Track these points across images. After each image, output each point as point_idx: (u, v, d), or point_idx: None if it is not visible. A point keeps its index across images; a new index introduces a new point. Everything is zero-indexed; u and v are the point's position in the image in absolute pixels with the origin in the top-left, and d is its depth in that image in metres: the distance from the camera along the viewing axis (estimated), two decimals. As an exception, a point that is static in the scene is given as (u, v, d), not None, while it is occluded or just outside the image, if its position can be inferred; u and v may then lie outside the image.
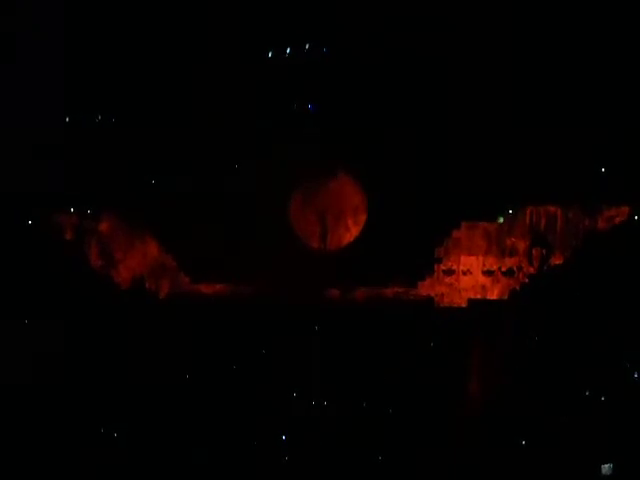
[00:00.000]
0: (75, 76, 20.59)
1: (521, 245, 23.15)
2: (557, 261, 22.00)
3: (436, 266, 23.89)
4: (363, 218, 25.01)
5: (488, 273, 23.34)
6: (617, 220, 21.22)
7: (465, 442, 9.15)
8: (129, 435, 9.61)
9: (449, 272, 23.77)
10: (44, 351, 12.48)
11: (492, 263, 23.41)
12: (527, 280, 21.89)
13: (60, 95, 20.69)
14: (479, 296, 22.88)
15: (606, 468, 8.19)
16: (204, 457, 9.27)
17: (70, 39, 19.82)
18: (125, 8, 19.87)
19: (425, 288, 23.88)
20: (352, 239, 24.95)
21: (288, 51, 22.80)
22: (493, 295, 22.91)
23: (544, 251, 22.08)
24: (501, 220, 23.67)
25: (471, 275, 23.61)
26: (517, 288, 21.72)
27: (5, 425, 9.15)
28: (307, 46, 22.60)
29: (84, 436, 9.43)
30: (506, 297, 22.04)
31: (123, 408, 10.56)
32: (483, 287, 23.25)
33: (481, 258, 23.53)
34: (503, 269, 23.05)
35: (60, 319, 14.89)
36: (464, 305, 22.47)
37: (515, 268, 22.87)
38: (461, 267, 23.70)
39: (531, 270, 22.31)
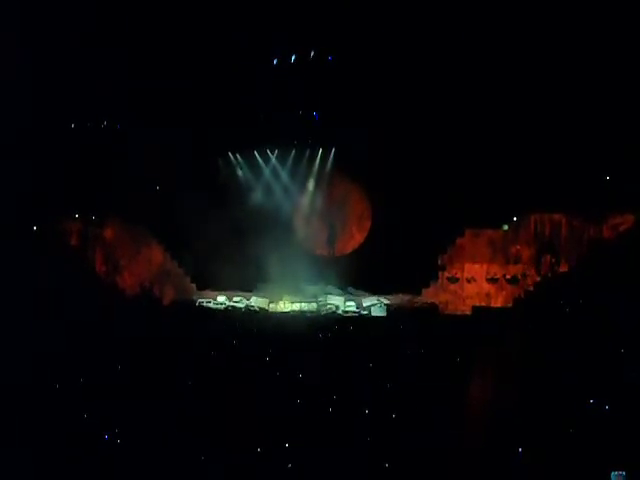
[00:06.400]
0: (80, 83, 20.71)
1: (525, 253, 23.18)
2: (562, 269, 21.99)
3: (440, 274, 24.00)
4: (368, 225, 25.12)
5: (492, 281, 23.39)
6: (622, 228, 21.22)
7: (468, 446, 9.15)
8: (130, 437, 9.64)
9: (453, 280, 23.83)
10: (48, 354, 12.54)
11: (496, 271, 23.45)
12: (531, 288, 21.90)
13: (64, 102, 20.81)
14: (483, 303, 22.94)
15: (616, 476, 8.15)
16: (204, 460, 9.30)
17: (77, 46, 19.99)
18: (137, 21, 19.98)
19: (429, 295, 23.95)
20: (357, 246, 25.07)
21: (293, 59, 22.90)
22: (497, 302, 22.94)
23: (553, 259, 22.06)
24: (505, 228, 23.74)
25: (475, 282, 23.66)
26: (521, 295, 21.75)
27: (6, 425, 9.23)
28: (312, 54, 22.69)
29: (85, 437, 9.46)
30: (510, 304, 22.09)
31: (125, 410, 10.59)
32: (487, 294, 23.31)
33: (485, 266, 23.58)
34: (507, 277, 23.10)
35: (64, 323, 14.92)
36: (468, 312, 22.55)
37: (519, 276, 22.91)
38: (465, 275, 23.77)
39: (536, 278, 22.30)
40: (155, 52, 20.43)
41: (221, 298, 23.58)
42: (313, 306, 22.97)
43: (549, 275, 21.74)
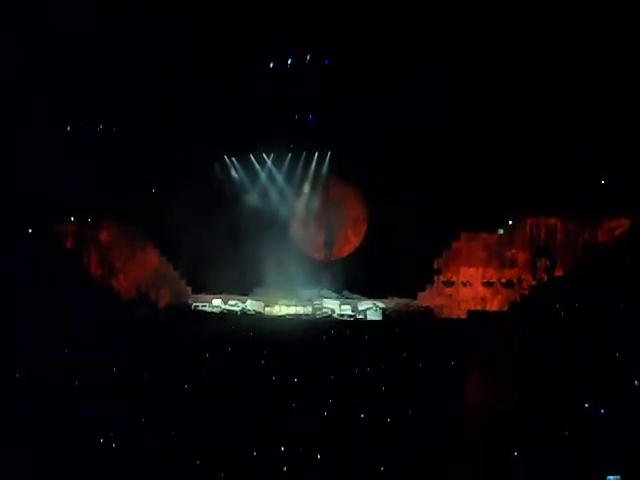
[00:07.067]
0: (78, 86, 20.70)
1: (521, 257, 23.20)
2: (557, 273, 22.01)
3: (436, 277, 24.00)
4: (363, 228, 25.11)
5: (488, 284, 23.40)
6: (617, 232, 21.26)
7: (464, 451, 9.16)
8: (125, 440, 9.64)
9: (449, 283, 23.84)
10: (44, 355, 12.55)
11: (492, 274, 23.47)
12: (527, 292, 21.92)
13: (62, 105, 20.79)
14: (479, 307, 22.94)
15: (613, 480, 8.16)
16: (202, 463, 9.30)
17: (76, 48, 19.96)
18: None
19: (425, 299, 23.94)
20: (352, 249, 25.06)
21: (289, 62, 22.90)
22: (493, 306, 22.94)
23: (549, 263, 22.08)
24: (501, 232, 23.77)
25: (471, 286, 23.66)
26: (517, 299, 21.76)
27: (4, 426, 9.22)
28: (308, 57, 22.69)
29: (83, 440, 9.45)
30: (506, 308, 22.10)
31: (121, 413, 10.59)
32: (483, 298, 23.32)
33: (481, 269, 23.59)
34: (503, 280, 23.11)
35: (61, 326, 14.90)
36: (464, 316, 22.54)
37: (515, 280, 22.92)
38: (461, 278, 23.78)
39: (531, 282, 22.32)
40: (154, 54, 20.41)
41: (217, 302, 23.50)
42: (308, 310, 22.95)
43: (544, 279, 21.77)
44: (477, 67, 20.22)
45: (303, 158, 24.99)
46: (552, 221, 22.02)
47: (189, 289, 24.65)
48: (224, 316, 22.59)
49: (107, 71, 19.94)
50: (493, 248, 22.90)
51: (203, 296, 24.12)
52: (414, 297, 23.30)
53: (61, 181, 20.49)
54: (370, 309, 22.77)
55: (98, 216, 23.58)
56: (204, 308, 23.23)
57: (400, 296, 23.37)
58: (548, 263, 21.70)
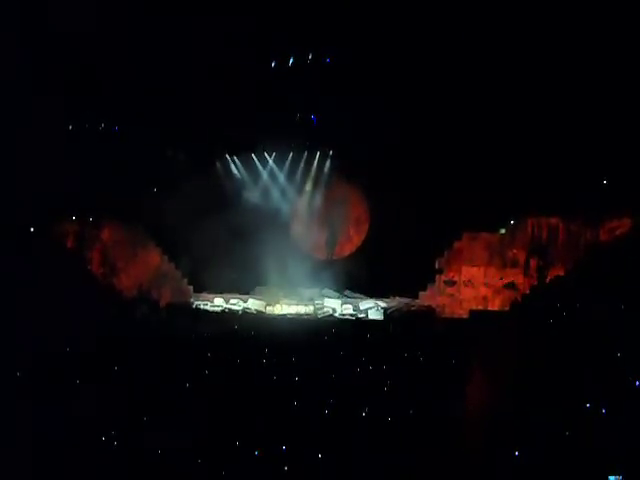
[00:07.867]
0: (78, 85, 20.71)
1: (522, 256, 23.16)
2: (558, 272, 21.99)
3: (438, 277, 23.98)
4: (365, 228, 25.11)
5: (489, 284, 23.36)
6: (619, 232, 21.22)
7: (465, 450, 9.15)
8: (128, 440, 9.64)
9: (450, 283, 23.81)
10: (44, 355, 12.55)
11: (493, 274, 23.44)
12: (528, 291, 21.88)
13: (63, 104, 20.80)
14: (480, 307, 22.91)
15: (614, 480, 8.15)
16: (202, 461, 9.31)
17: (77, 48, 19.96)
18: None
19: (427, 299, 23.92)
20: (354, 249, 25.06)
21: (291, 61, 22.89)
22: (494, 306, 22.89)
23: (541, 262, 22.08)
24: (502, 231, 23.75)
25: (472, 286, 23.64)
26: (518, 299, 21.73)
27: (4, 425, 9.23)
28: (310, 56, 22.68)
29: (84, 439, 9.45)
30: (507, 308, 22.07)
31: (122, 412, 10.59)
32: (484, 298, 23.30)
33: (482, 269, 23.56)
34: (505, 280, 23.09)
35: (62, 325, 14.89)
36: (465, 316, 22.53)
37: (516, 279, 22.88)
38: (462, 278, 23.75)
39: (532, 281, 22.28)
40: (154, 54, 20.41)
41: (218, 301, 23.53)
42: (310, 309, 22.95)
43: (546, 279, 21.74)
44: (479, 67, 20.19)
45: (305, 157, 25.00)
46: (553, 221, 21.98)
47: (190, 288, 24.65)
48: (225, 315, 22.62)
49: (107, 71, 19.93)
50: (495, 248, 22.88)
51: (204, 295, 24.14)
52: (416, 296, 23.27)
53: (62, 181, 20.50)
54: (372, 308, 22.77)
55: (99, 215, 23.60)
56: (205, 307, 23.27)
57: (402, 295, 23.35)
58: (549, 263, 21.66)
